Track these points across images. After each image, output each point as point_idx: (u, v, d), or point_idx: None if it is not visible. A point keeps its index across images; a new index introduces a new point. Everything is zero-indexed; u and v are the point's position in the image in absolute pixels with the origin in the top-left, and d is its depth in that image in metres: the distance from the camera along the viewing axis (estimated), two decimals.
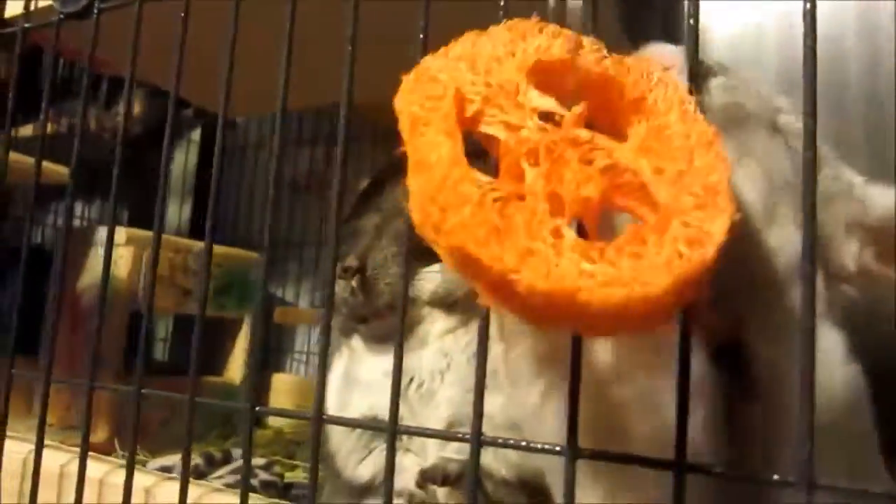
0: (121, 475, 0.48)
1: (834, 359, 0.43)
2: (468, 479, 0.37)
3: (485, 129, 0.35)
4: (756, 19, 0.73)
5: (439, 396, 0.57)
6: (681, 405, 0.33)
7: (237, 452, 1.01)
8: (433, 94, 0.34)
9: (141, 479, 0.53)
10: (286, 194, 1.62)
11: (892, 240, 0.48)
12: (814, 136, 0.33)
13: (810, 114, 0.33)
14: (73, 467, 0.50)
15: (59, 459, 0.59)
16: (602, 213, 0.34)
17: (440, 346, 0.58)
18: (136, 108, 1.67)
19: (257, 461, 0.97)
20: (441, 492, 0.53)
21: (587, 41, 0.37)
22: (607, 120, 0.36)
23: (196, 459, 0.96)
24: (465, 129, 0.35)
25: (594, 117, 0.36)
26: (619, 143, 0.35)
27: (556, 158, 0.34)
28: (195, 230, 1.76)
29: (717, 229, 0.31)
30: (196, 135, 1.92)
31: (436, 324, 0.59)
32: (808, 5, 0.33)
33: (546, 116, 0.35)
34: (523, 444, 0.39)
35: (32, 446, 0.52)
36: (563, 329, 0.35)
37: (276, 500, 0.58)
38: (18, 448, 0.58)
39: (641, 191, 0.34)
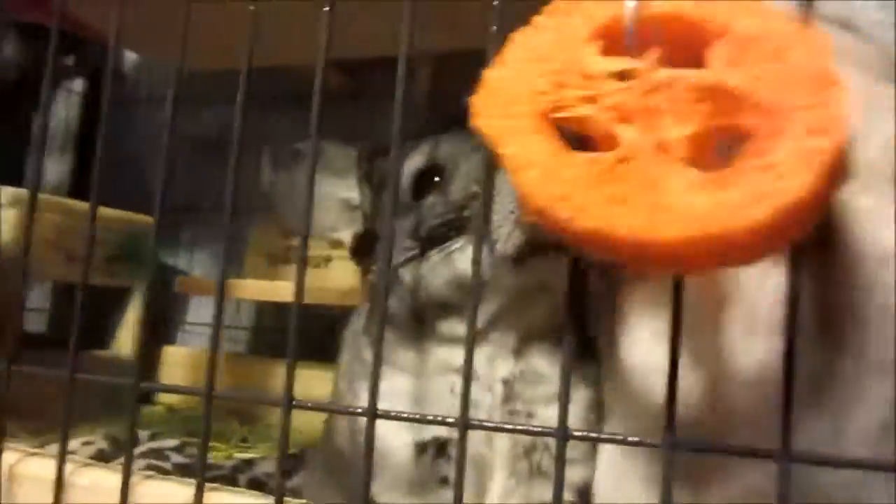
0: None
1: None
2: (457, 462, 0.36)
3: (569, 113, 0.34)
4: None
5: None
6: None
7: (145, 434, 0.96)
8: (507, 103, 0.34)
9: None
10: (191, 155, 1.53)
11: None
12: None
13: None
14: None
15: None
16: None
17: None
18: (9, 51, 1.52)
19: (168, 442, 0.92)
20: None
21: None
22: (691, 60, 0.35)
23: (101, 443, 0.90)
24: (553, 122, 0.34)
25: (676, 61, 0.35)
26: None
27: (647, 110, 0.33)
28: (78, 190, 1.64)
29: (840, 112, 0.30)
30: (79, 85, 1.75)
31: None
32: None
33: (625, 75, 0.34)
34: (508, 426, 0.44)
35: None
36: (710, 268, 0.34)
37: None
38: None
39: (745, 103, 0.32)
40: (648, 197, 0.31)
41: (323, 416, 0.67)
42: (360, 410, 0.39)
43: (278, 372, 1.16)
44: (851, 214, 0.38)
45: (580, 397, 0.48)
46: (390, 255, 0.41)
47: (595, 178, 0.31)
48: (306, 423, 1.11)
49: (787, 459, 0.30)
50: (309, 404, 0.40)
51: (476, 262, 0.38)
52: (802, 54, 0.32)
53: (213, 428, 1.04)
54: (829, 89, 0.31)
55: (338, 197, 0.58)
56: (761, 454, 0.31)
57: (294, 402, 0.39)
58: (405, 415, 0.42)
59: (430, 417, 0.40)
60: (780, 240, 0.31)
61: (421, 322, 0.51)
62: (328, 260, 1.25)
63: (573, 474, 0.47)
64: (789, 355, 0.31)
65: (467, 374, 0.36)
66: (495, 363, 0.49)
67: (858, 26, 0.44)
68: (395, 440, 0.46)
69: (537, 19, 0.36)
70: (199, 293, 1.40)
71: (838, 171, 0.30)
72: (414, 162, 0.52)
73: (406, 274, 0.51)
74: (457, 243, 0.49)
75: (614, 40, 0.35)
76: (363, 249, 0.58)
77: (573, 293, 0.37)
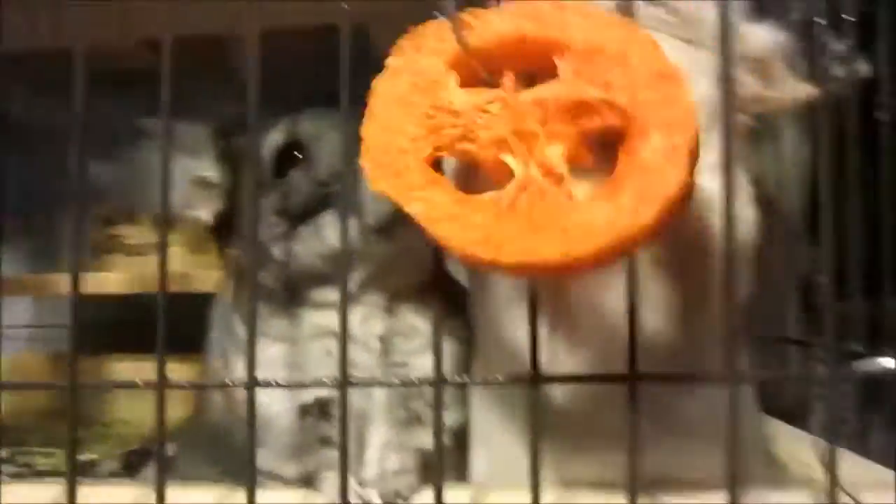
0: None
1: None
2: (340, 421, 0.40)
3: (451, 154, 0.36)
4: None
5: None
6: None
7: None
8: (390, 159, 0.36)
9: None
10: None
11: (771, 68, 0.55)
12: None
13: None
14: None
15: None
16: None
17: None
18: None
19: None
20: None
21: (474, 14, 0.38)
22: (546, 71, 0.37)
23: None
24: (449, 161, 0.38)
25: (533, 76, 0.37)
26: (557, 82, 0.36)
27: (522, 134, 0.35)
28: None
29: (689, 106, 0.34)
30: None
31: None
32: None
33: (490, 104, 0.36)
34: (385, 382, 0.50)
35: None
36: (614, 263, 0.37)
37: None
38: None
39: (604, 109, 0.35)
40: (555, 219, 0.33)
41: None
42: (239, 383, 0.41)
43: (107, 368, 1.10)
44: None
45: (450, 348, 0.52)
46: (256, 230, 0.43)
47: (504, 216, 0.34)
48: (142, 417, 1.07)
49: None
50: (185, 384, 0.40)
51: (343, 236, 0.41)
52: (641, 55, 0.35)
53: (43, 433, 0.97)
54: (674, 85, 0.34)
55: (193, 175, 0.57)
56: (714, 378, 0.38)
57: (169, 384, 0.39)
58: (283, 383, 0.44)
59: (309, 381, 0.44)
60: (663, 229, 0.35)
61: (293, 292, 0.54)
62: (155, 247, 1.20)
63: (448, 419, 0.51)
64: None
65: (343, 336, 0.39)
66: (370, 322, 0.54)
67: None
68: (276, 406, 0.47)
69: (390, 62, 0.38)
70: (12, 294, 1.28)
71: (695, 158, 0.34)
72: (273, 138, 0.53)
73: (275, 248, 0.53)
74: (324, 218, 0.52)
75: (470, 69, 0.37)
76: (224, 227, 0.58)
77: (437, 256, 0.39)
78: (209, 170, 0.58)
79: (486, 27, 0.38)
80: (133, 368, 1.04)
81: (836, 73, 0.71)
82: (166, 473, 0.40)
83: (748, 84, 0.54)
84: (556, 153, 0.36)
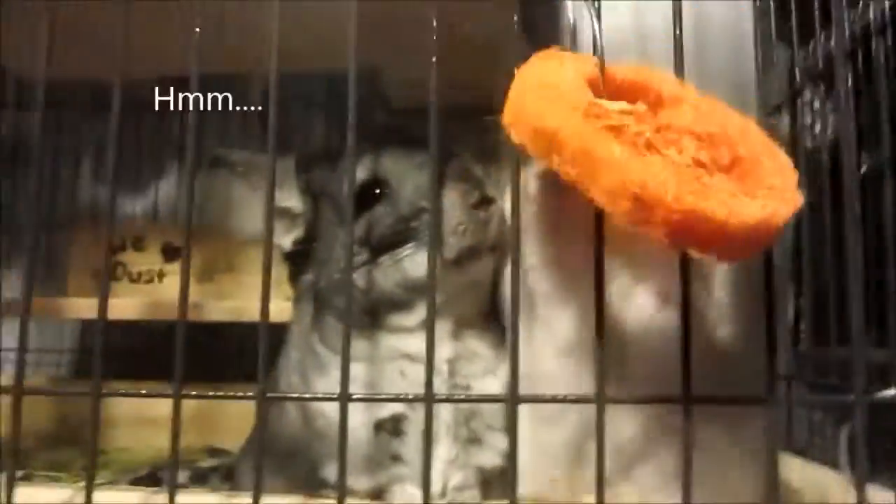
0: None
1: None
2: (424, 434, 0.43)
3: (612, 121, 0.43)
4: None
5: None
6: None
7: None
8: (566, 107, 0.42)
9: None
10: None
11: None
12: None
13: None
14: None
15: None
16: None
17: None
18: None
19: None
20: None
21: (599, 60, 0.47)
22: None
23: None
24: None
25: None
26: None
27: (663, 140, 0.43)
28: None
29: (791, 183, 0.42)
30: None
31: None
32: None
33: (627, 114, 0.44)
34: (464, 397, 0.57)
35: None
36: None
37: None
38: None
39: (721, 144, 0.44)
40: (717, 195, 0.39)
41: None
42: (333, 396, 0.45)
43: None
44: None
45: (504, 370, 0.58)
46: (350, 259, 0.48)
47: (677, 175, 0.40)
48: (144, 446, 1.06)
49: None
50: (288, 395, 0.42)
51: (431, 269, 0.45)
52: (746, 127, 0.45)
53: (51, 460, 0.97)
54: (780, 160, 0.44)
55: (277, 206, 0.61)
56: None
57: (269, 395, 0.46)
58: (376, 396, 0.56)
59: (401, 396, 0.51)
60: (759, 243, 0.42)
61: (372, 316, 0.60)
62: (161, 275, 1.20)
63: (500, 441, 0.58)
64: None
65: (430, 357, 0.43)
66: (439, 347, 0.56)
67: None
68: (353, 421, 0.50)
69: (536, 58, 0.46)
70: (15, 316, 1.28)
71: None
72: (356, 175, 0.57)
73: (359, 277, 0.58)
74: (406, 250, 0.58)
75: (595, 89, 0.46)
76: (300, 255, 0.64)
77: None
78: (290, 200, 0.64)
79: (616, 69, 0.47)
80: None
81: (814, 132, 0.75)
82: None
83: None
84: (703, 154, 0.44)
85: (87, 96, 1.20)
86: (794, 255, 0.83)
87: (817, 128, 0.83)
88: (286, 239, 0.64)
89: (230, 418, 1.04)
